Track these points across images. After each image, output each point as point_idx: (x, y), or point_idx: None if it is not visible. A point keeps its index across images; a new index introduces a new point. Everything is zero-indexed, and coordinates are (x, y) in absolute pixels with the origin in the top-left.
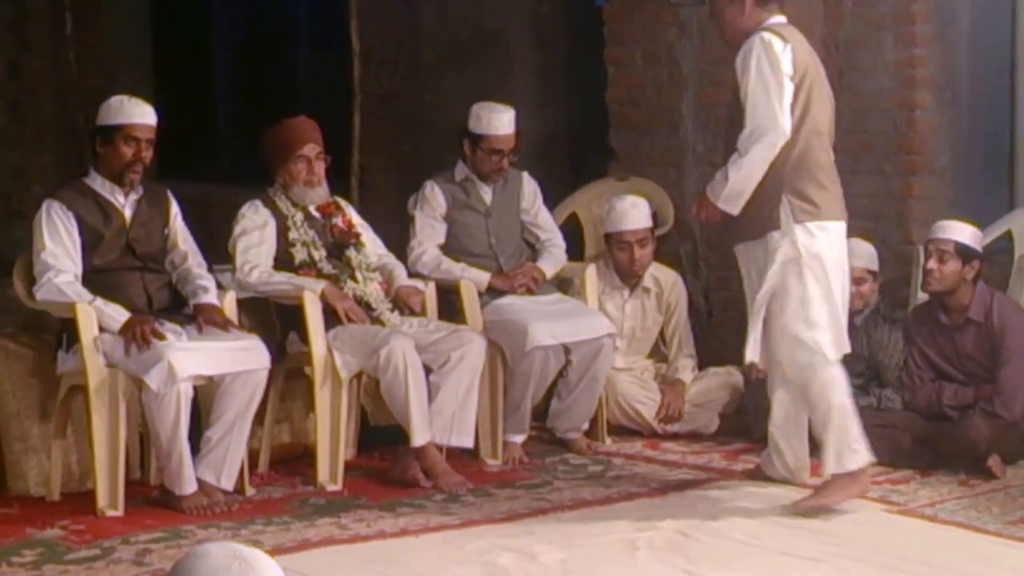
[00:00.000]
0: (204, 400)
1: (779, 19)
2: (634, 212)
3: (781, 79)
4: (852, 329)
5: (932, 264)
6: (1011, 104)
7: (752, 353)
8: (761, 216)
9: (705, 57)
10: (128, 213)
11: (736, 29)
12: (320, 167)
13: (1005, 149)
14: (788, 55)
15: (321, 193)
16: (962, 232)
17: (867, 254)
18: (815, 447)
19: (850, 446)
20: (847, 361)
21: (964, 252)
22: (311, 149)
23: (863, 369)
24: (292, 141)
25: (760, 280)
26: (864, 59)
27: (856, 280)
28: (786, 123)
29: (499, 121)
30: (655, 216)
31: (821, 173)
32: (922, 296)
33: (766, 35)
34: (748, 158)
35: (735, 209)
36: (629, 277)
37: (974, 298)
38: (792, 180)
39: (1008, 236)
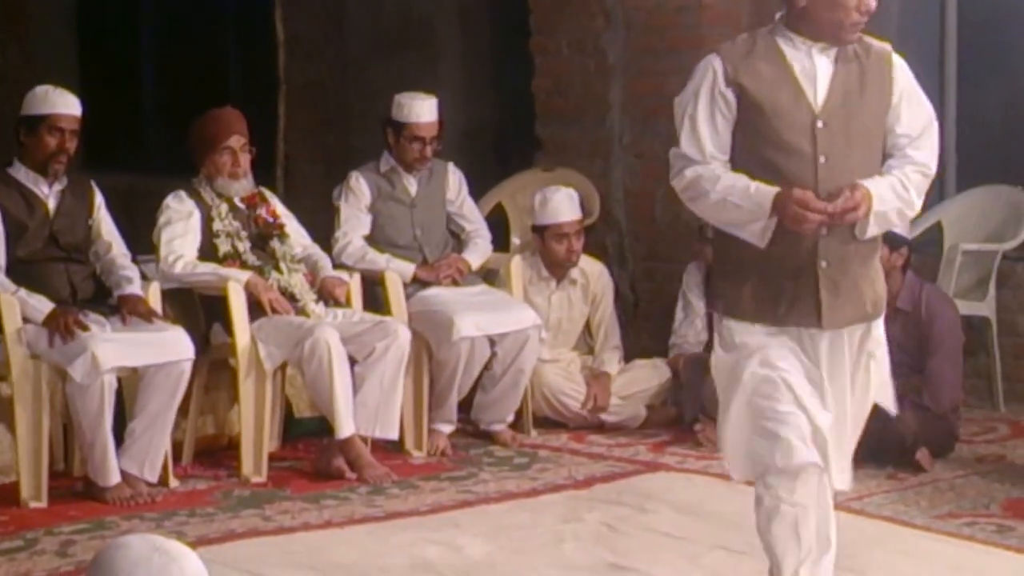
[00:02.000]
0: (128, 391)
1: None
2: (569, 203)
3: None
4: None
5: None
6: (940, 95)
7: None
8: (877, 291)
9: (632, 47)
10: (52, 204)
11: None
12: (245, 159)
13: None
14: None
15: (246, 185)
16: None
17: None
18: None
19: None
20: None
21: (891, 239)
22: (236, 140)
23: None
24: (217, 132)
25: (845, 370)
26: None
27: None
28: None
29: (420, 109)
30: (582, 207)
31: None
32: None
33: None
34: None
35: (876, 229)
36: (564, 268)
37: (903, 288)
38: None
39: (938, 227)
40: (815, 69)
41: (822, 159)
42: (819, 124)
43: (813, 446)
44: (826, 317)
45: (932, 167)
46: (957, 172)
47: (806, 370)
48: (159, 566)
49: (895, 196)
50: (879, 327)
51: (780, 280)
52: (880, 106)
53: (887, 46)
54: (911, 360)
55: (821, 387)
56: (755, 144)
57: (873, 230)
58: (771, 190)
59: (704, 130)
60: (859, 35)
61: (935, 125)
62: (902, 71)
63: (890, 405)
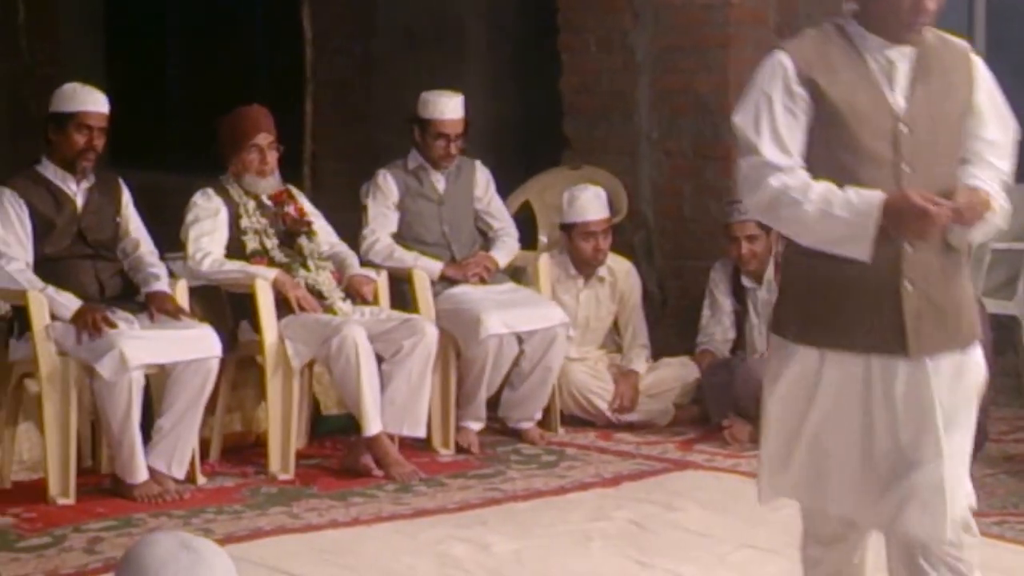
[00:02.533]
0: (156, 388)
1: None
2: (597, 202)
3: None
4: None
5: None
6: None
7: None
8: (970, 313)
9: (659, 44)
10: (80, 201)
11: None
12: (272, 156)
13: None
14: None
15: (273, 182)
16: None
17: None
18: None
19: None
20: None
21: None
22: (264, 138)
23: None
24: (245, 130)
25: (934, 403)
26: None
27: None
28: None
29: (445, 106)
30: (609, 205)
31: None
32: None
33: None
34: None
35: (980, 237)
36: (591, 267)
37: None
38: None
39: None
40: (892, 68)
41: (907, 169)
42: (903, 129)
43: (855, 507)
44: (912, 343)
45: (1010, 180)
46: None
47: (876, 416)
48: (188, 563)
49: (999, 207)
50: (978, 354)
51: (859, 302)
52: (962, 109)
53: (965, 44)
54: None
55: (894, 426)
56: (830, 151)
57: (974, 238)
58: (876, 195)
59: (786, 132)
60: (931, 31)
61: (1016, 134)
62: (983, 71)
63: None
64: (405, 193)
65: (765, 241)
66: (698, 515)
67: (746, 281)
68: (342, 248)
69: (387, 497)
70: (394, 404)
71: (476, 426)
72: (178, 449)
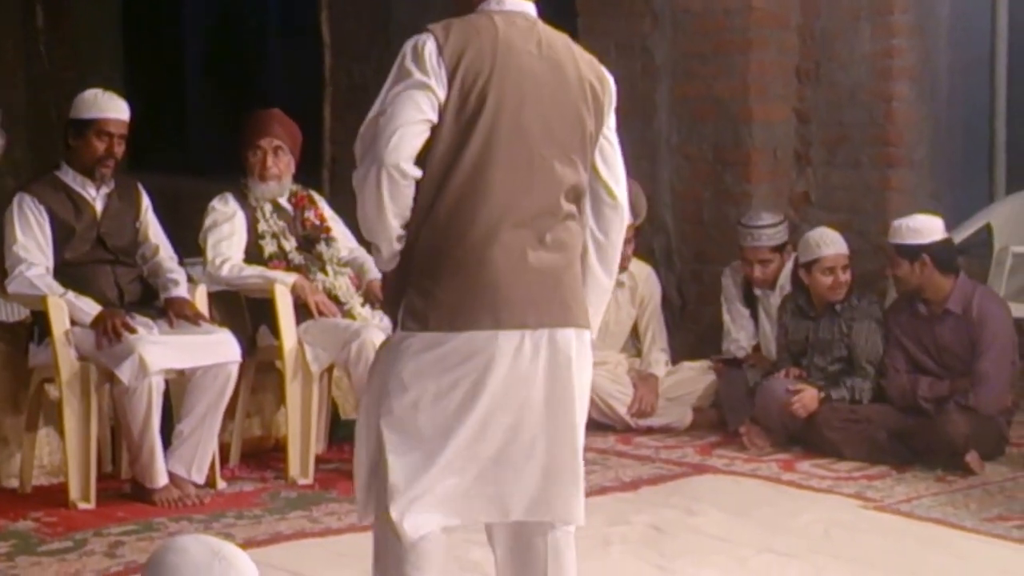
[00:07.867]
0: (175, 393)
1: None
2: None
3: None
4: (833, 315)
5: (888, 271)
6: (991, 96)
7: None
8: None
9: (679, 48)
10: (99, 206)
11: None
12: (277, 161)
13: (984, 142)
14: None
15: (274, 187)
16: (900, 232)
17: (839, 240)
18: None
19: None
20: (826, 346)
21: (905, 251)
22: (268, 142)
23: (840, 356)
24: (251, 132)
25: None
26: (841, 50)
27: (841, 269)
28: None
29: None
30: (630, 209)
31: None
32: None
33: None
34: None
35: None
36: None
37: (955, 290)
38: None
39: (987, 229)
40: None
41: None
42: None
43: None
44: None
45: None
46: (1007, 174)
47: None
48: (220, 572)
49: None
50: None
51: None
52: None
53: None
54: (960, 362)
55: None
56: None
57: None
58: None
59: None
60: None
61: None
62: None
63: None
64: None
65: (778, 261)
66: (718, 519)
67: (756, 289)
68: (360, 253)
69: None
70: None
71: None
72: (198, 454)
